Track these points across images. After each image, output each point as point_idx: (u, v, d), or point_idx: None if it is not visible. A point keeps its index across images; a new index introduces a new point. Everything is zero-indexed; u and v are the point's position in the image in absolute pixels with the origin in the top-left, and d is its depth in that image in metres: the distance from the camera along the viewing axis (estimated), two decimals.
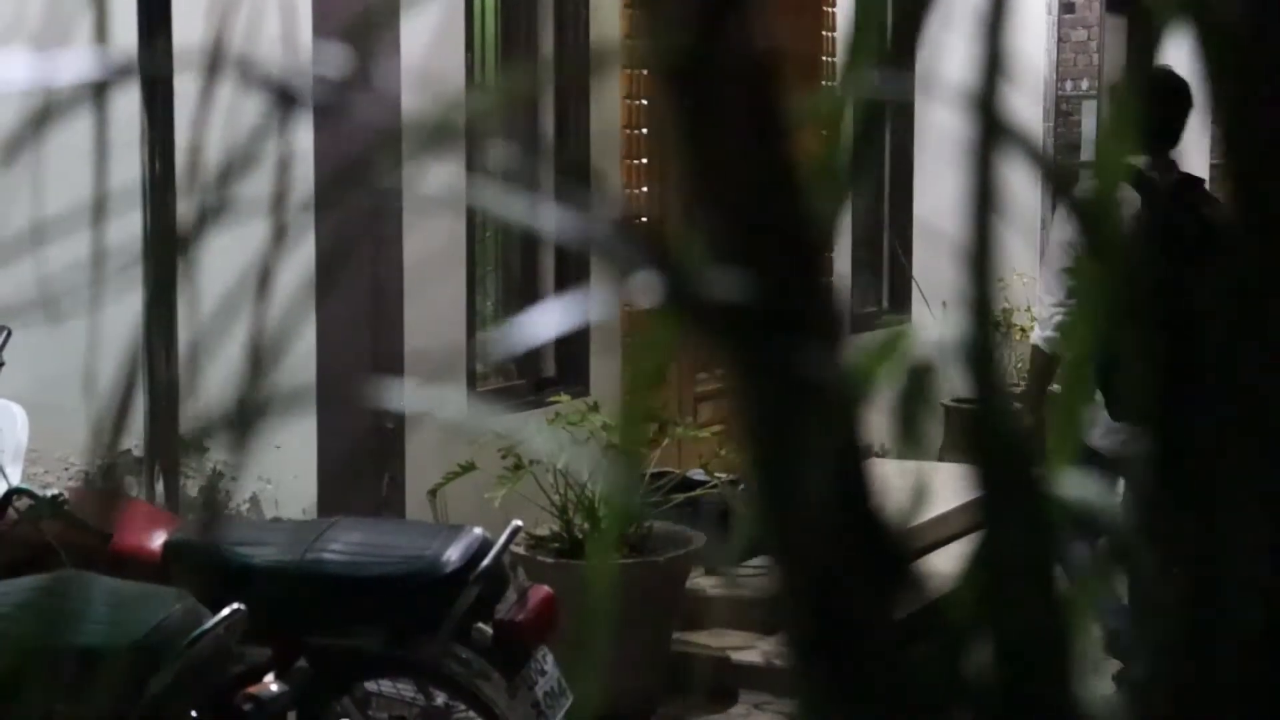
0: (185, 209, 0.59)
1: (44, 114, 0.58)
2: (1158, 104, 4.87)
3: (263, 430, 0.56)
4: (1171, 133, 5.02)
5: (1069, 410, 0.61)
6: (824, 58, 8.07)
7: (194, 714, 3.77)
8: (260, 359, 0.56)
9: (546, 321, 0.55)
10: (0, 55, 0.57)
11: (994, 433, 0.52)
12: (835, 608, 0.53)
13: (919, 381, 0.56)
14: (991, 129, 0.50)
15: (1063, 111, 11.31)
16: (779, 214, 0.54)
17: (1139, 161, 4.95)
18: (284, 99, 0.56)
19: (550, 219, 0.54)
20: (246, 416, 0.55)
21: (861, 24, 0.61)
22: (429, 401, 0.79)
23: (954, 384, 0.58)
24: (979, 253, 0.50)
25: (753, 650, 6.11)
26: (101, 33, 0.60)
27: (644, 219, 0.54)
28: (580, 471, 5.66)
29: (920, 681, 0.52)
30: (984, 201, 0.50)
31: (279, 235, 0.61)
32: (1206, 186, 5.24)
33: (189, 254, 0.57)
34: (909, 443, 0.56)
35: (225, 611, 3.76)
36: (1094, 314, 0.57)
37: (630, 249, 0.54)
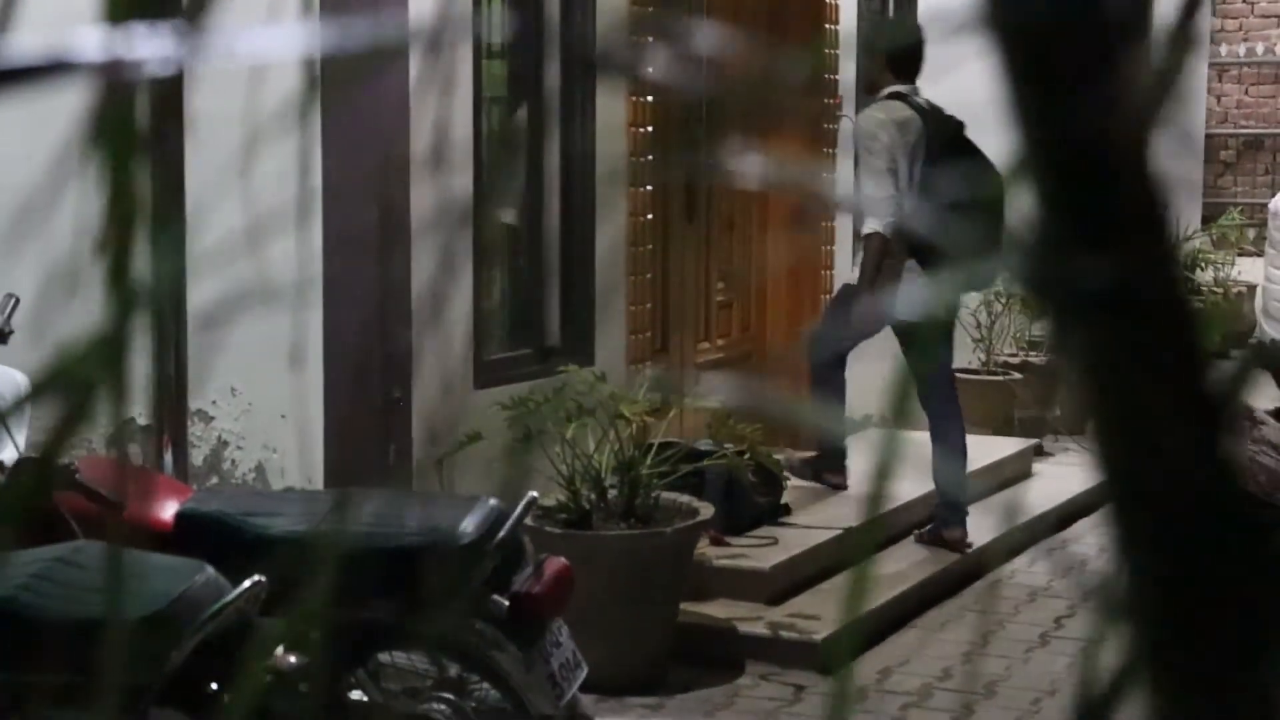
0: (463, 184, 0.56)
1: (316, 84, 0.55)
2: (913, 46, 6.86)
3: None
4: (918, 68, 6.74)
5: None
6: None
7: (214, 686, 3.73)
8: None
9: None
10: (277, 27, 0.53)
11: None
12: (1202, 605, 0.50)
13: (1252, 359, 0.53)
14: None
15: None
16: (1132, 195, 0.51)
17: (908, 88, 6.65)
18: (591, 68, 0.53)
19: (888, 204, 0.50)
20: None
21: None
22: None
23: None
24: None
25: (759, 621, 6.10)
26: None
27: (989, 202, 0.51)
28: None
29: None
30: None
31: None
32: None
33: (478, 227, 0.54)
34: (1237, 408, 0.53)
35: (246, 584, 3.71)
36: None
37: (978, 234, 0.51)
